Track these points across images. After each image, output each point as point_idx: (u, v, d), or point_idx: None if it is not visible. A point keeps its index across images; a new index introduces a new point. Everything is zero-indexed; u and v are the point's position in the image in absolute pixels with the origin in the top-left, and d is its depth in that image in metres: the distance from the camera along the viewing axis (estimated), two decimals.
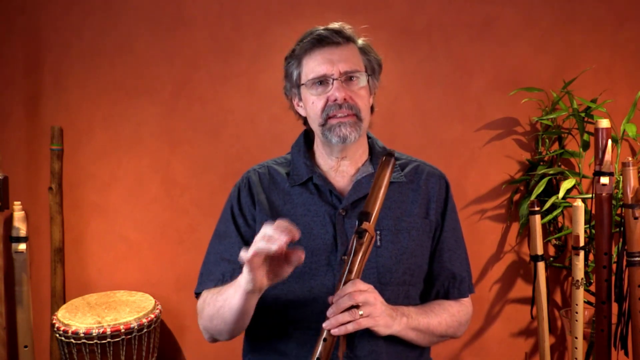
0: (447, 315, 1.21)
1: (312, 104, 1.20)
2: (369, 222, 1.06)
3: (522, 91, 2.21)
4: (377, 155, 1.27)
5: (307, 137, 1.33)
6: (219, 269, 1.23)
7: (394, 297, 1.17)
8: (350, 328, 1.03)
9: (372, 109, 1.27)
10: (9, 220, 2.16)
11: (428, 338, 1.19)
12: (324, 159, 1.27)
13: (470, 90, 2.29)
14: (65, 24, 2.30)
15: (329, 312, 1.04)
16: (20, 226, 2.12)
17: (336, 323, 1.02)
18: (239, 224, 1.25)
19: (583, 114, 2.07)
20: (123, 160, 2.34)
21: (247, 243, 1.21)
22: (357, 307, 1.03)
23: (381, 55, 1.27)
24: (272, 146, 2.28)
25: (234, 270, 1.18)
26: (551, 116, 2.14)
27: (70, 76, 2.31)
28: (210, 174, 2.33)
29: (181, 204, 2.35)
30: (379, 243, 1.17)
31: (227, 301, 1.10)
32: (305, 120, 1.30)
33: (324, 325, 1.03)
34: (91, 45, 2.30)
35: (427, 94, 2.29)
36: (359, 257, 1.04)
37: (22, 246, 2.11)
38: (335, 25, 1.22)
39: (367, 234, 1.05)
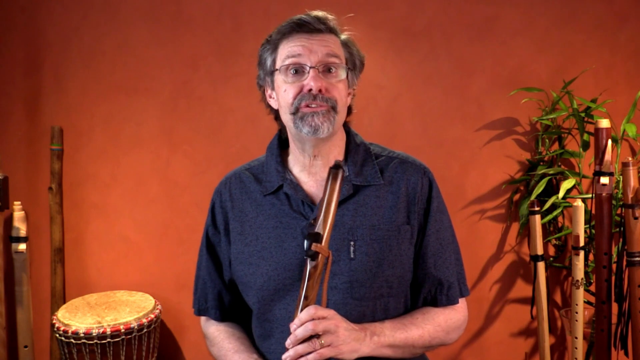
0: (430, 327, 1.12)
1: (284, 91, 1.09)
2: (320, 243, 0.97)
3: (522, 91, 2.21)
4: (354, 154, 1.17)
5: (281, 138, 1.25)
6: (211, 292, 1.26)
7: (371, 312, 1.09)
8: (311, 359, 0.96)
9: (349, 110, 1.18)
10: (9, 220, 2.16)
11: (409, 351, 1.10)
12: (296, 157, 1.17)
13: (470, 90, 2.28)
14: (65, 24, 2.30)
15: (287, 343, 0.97)
16: (20, 226, 2.12)
17: (295, 355, 0.96)
18: (214, 243, 1.26)
19: (583, 114, 2.07)
20: (123, 160, 2.34)
21: (221, 263, 1.26)
22: (317, 335, 0.96)
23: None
24: None
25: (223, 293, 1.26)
26: (551, 116, 2.14)
27: (70, 76, 2.31)
28: (210, 174, 2.33)
29: (181, 204, 2.35)
30: (352, 255, 1.08)
31: None
32: (276, 115, 1.19)
33: (283, 357, 0.97)
34: (91, 45, 2.30)
35: (427, 94, 2.29)
36: (314, 281, 0.97)
37: (22, 246, 2.11)
38: (318, 12, 1.11)
39: (321, 255, 0.97)
